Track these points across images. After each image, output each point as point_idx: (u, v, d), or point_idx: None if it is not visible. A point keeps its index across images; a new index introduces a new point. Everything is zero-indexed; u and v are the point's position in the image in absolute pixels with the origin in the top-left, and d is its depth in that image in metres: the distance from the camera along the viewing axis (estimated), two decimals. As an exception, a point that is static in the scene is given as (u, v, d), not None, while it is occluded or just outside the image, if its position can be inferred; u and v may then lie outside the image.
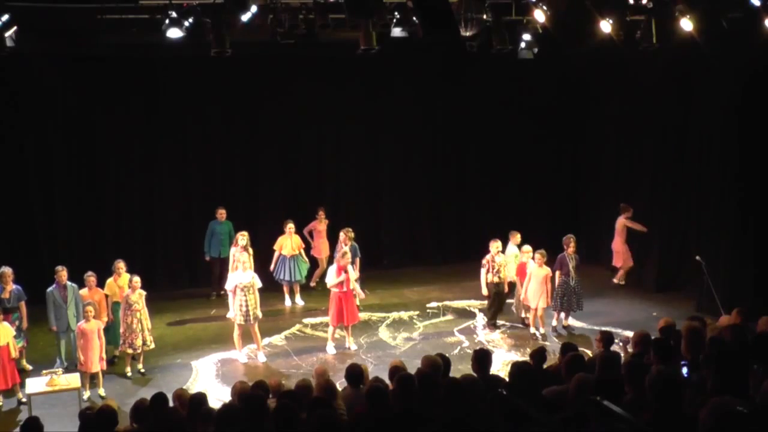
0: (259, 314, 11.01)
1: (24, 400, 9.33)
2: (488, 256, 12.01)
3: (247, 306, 10.78)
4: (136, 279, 10.59)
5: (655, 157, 14.46)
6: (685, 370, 6.32)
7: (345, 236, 12.83)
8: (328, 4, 9.65)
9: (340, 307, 11.20)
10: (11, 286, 10.32)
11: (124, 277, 10.83)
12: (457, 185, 16.69)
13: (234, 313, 10.95)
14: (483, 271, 12.07)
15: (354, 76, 15.10)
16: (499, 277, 11.97)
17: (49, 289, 10.49)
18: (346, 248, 12.39)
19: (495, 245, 12.00)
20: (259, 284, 11.08)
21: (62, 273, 10.53)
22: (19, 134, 13.57)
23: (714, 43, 10.88)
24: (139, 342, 10.44)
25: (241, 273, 10.91)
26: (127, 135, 14.26)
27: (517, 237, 12.64)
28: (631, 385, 5.49)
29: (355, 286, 11.63)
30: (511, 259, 12.43)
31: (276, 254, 13.43)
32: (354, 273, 11.73)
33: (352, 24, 9.28)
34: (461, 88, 15.91)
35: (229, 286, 11.11)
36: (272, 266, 13.37)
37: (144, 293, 10.65)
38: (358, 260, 13.03)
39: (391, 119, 15.91)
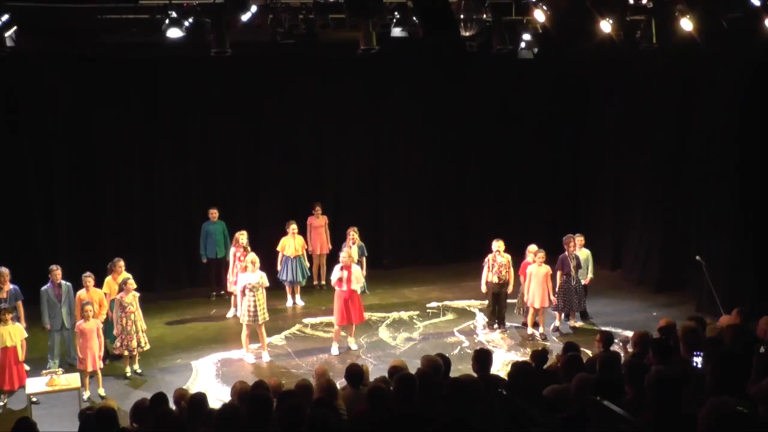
0: (267, 315, 11.04)
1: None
2: (490, 256, 12.01)
3: (255, 306, 10.81)
4: (131, 281, 10.59)
5: (655, 157, 14.45)
6: (699, 361, 6.32)
7: (352, 235, 12.85)
8: (328, 4, 9.65)
9: (344, 307, 11.19)
10: (8, 286, 10.32)
11: (123, 275, 10.83)
12: (457, 185, 16.69)
13: (241, 313, 10.96)
14: (485, 269, 12.07)
15: (354, 76, 15.11)
16: (499, 278, 11.96)
17: (44, 287, 10.49)
18: (352, 247, 12.47)
19: (497, 244, 11.99)
20: (266, 284, 11.13)
21: (56, 272, 10.52)
22: (19, 134, 13.57)
23: (714, 43, 10.89)
24: (134, 343, 10.46)
25: (250, 273, 10.93)
26: (126, 135, 14.26)
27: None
28: (631, 385, 5.49)
29: (356, 287, 11.54)
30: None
31: (280, 255, 13.45)
32: (359, 271, 11.69)
33: (352, 24, 9.28)
34: (461, 88, 15.91)
35: (237, 287, 11.13)
36: (279, 267, 13.40)
37: (138, 294, 10.66)
38: (364, 259, 13.06)
39: (391, 119, 15.93)
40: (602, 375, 5.93)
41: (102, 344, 10.00)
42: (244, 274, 11.07)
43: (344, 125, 15.76)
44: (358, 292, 11.66)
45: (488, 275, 12.02)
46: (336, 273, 11.25)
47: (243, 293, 10.89)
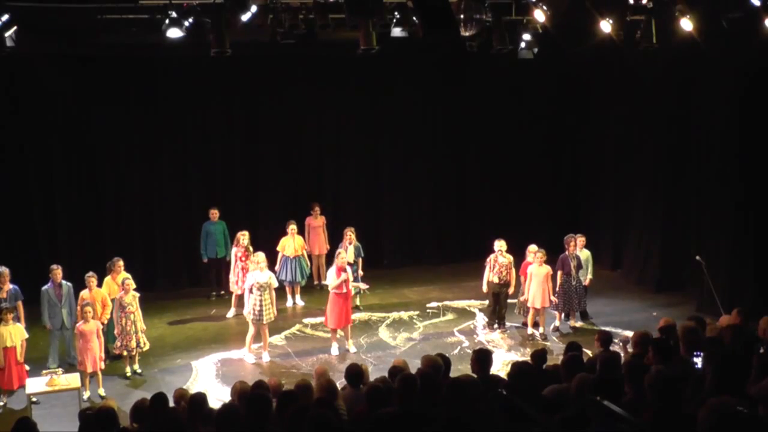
0: (273, 314, 11.05)
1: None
2: (492, 255, 12.00)
3: (261, 306, 10.81)
4: (129, 280, 10.58)
5: (655, 157, 14.46)
6: (699, 361, 6.33)
7: (349, 236, 12.87)
8: (328, 4, 9.65)
9: (342, 310, 11.18)
10: (8, 286, 10.30)
11: (122, 275, 10.83)
12: (457, 185, 16.69)
13: (247, 311, 10.99)
14: (486, 269, 12.06)
15: (354, 76, 15.11)
16: (499, 278, 11.95)
17: (44, 287, 10.47)
18: (349, 248, 12.46)
19: (499, 244, 11.98)
20: (275, 284, 11.15)
21: (57, 271, 10.51)
22: (19, 134, 13.57)
23: (714, 43, 10.88)
24: (133, 343, 10.44)
25: (258, 272, 10.94)
26: (126, 135, 14.26)
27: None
28: (631, 385, 5.50)
29: (355, 284, 11.60)
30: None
31: (279, 255, 13.45)
32: (351, 273, 11.68)
33: (352, 24, 9.27)
34: (461, 88, 15.91)
35: (246, 285, 11.15)
36: (277, 267, 13.39)
37: (138, 295, 10.65)
38: (361, 260, 13.06)
39: (391, 119, 15.92)
40: (602, 375, 5.94)
41: (102, 345, 9.99)
42: (253, 273, 11.07)
43: (344, 125, 15.76)
44: (353, 292, 11.65)
45: (489, 275, 12.02)
46: (337, 278, 11.13)
47: (251, 291, 10.89)
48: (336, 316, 11.18)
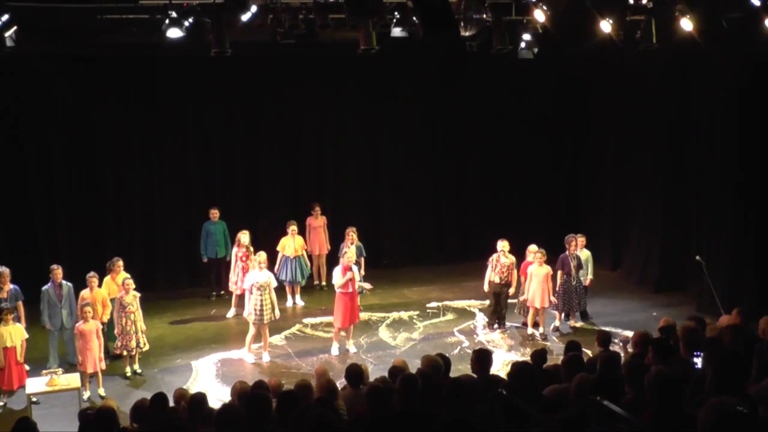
0: (276, 314, 11.05)
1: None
2: (494, 255, 11.99)
3: (261, 305, 10.82)
4: (129, 280, 10.58)
5: (655, 157, 14.46)
6: (699, 361, 6.34)
7: (351, 236, 12.87)
8: (328, 4, 9.66)
9: (349, 308, 11.18)
10: (8, 287, 10.29)
11: (122, 275, 10.83)
12: (458, 185, 16.69)
13: (248, 312, 10.99)
14: (489, 268, 12.06)
15: (354, 76, 15.11)
16: (500, 278, 11.94)
17: (45, 287, 10.47)
18: (350, 248, 12.47)
19: (502, 244, 11.97)
20: (274, 284, 11.16)
21: (57, 271, 10.51)
22: (19, 134, 13.57)
23: (714, 43, 10.89)
24: (133, 344, 10.44)
25: (257, 272, 10.95)
26: (126, 135, 14.26)
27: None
28: (631, 385, 5.49)
29: (360, 284, 11.61)
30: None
31: (279, 255, 13.45)
32: (357, 272, 11.69)
33: (352, 24, 9.28)
34: (461, 87, 15.91)
35: (246, 285, 11.16)
36: (276, 267, 13.38)
37: (138, 295, 10.65)
38: (362, 260, 13.06)
39: (391, 119, 15.92)
40: (602, 375, 5.94)
41: (102, 345, 9.99)
42: (253, 273, 11.08)
43: (344, 125, 15.76)
44: (358, 291, 11.68)
45: (491, 274, 12.02)
46: (343, 276, 11.12)
47: (251, 291, 10.90)
48: (342, 315, 11.18)
